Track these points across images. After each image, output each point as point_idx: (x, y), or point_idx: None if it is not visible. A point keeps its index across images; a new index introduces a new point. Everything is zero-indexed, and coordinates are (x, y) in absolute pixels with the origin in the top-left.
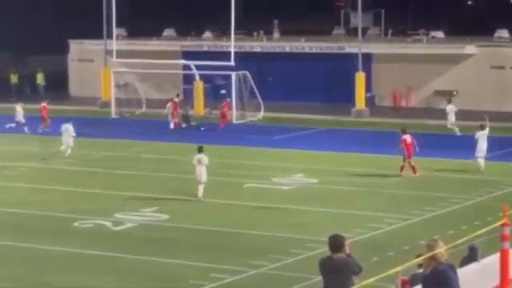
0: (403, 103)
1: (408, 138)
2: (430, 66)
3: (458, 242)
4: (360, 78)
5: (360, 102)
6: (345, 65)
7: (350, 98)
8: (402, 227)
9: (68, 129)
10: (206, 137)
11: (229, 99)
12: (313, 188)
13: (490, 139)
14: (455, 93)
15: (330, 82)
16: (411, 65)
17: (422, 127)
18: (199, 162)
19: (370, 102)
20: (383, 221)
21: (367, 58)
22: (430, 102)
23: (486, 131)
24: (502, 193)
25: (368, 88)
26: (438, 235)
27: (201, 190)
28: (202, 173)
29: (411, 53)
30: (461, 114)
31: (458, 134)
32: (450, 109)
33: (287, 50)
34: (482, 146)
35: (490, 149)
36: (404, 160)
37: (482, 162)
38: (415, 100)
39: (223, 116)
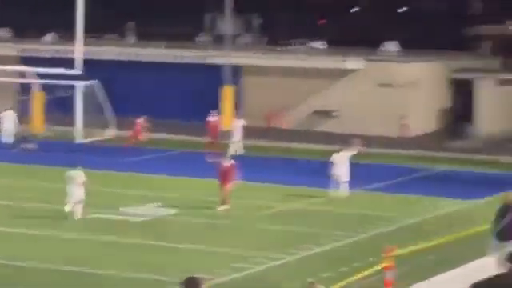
0: (277, 123)
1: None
2: (309, 82)
3: (336, 286)
4: (227, 93)
5: (227, 120)
6: (210, 78)
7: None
8: (272, 268)
9: None
10: (42, 157)
11: (141, 118)
12: (170, 220)
13: (373, 168)
14: (335, 114)
15: (194, 97)
16: (287, 79)
17: (294, 151)
18: (73, 179)
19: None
20: (251, 260)
21: (236, 70)
22: (308, 123)
23: (346, 154)
24: (386, 230)
25: (237, 105)
26: (314, 278)
27: (79, 210)
28: (77, 191)
29: (287, 66)
30: (342, 139)
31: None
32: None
33: (143, 58)
34: (338, 169)
35: (372, 179)
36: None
37: (338, 188)
38: (292, 120)
39: (135, 135)
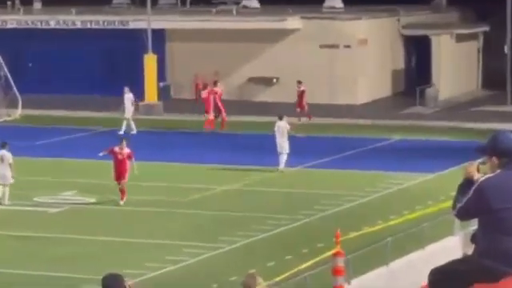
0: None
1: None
2: (243, 46)
3: (282, 276)
4: (150, 61)
5: (150, 94)
6: (129, 45)
7: (138, 90)
8: (208, 259)
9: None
10: None
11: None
12: (88, 210)
13: (318, 141)
14: (275, 80)
15: (111, 68)
16: (218, 44)
17: (229, 125)
18: (1, 160)
19: (163, 93)
20: (183, 251)
21: (159, 35)
22: (242, 92)
23: (283, 123)
24: (336, 211)
25: (161, 75)
26: (255, 268)
27: (6, 193)
28: (5, 173)
29: (217, 28)
30: (284, 109)
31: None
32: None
33: (52, 25)
34: (278, 139)
35: (318, 153)
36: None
37: (282, 158)
38: (224, 90)
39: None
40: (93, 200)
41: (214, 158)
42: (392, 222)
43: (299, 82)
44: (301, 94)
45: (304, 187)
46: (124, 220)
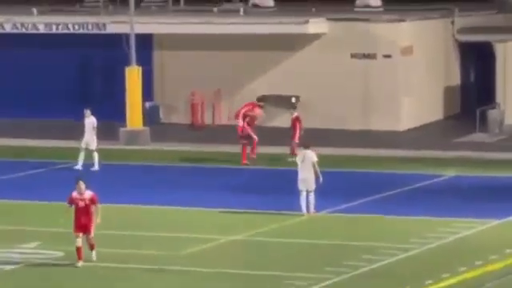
0: (208, 119)
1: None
2: (252, 56)
3: None
4: (133, 76)
5: (134, 117)
6: (107, 55)
7: (117, 112)
8: None
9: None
10: None
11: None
12: (53, 267)
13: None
14: (294, 100)
15: (83, 85)
16: (220, 54)
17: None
18: None
19: (150, 116)
20: None
21: (145, 42)
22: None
23: (309, 153)
24: (372, 268)
25: (147, 94)
26: None
27: None
28: None
29: (219, 33)
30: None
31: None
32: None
33: (7, 29)
34: (303, 174)
35: (351, 193)
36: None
37: (303, 197)
38: (228, 113)
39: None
40: (60, 254)
41: (216, 200)
42: (444, 283)
43: (293, 107)
44: (294, 122)
45: (330, 237)
46: (100, 281)
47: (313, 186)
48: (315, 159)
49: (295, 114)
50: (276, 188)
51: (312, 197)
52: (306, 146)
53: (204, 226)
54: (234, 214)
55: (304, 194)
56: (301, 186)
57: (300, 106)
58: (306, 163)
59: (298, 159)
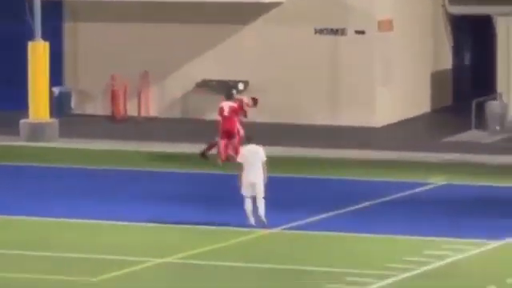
0: (132, 109)
1: None
2: (189, 30)
3: None
4: (37, 53)
5: (38, 106)
6: (4, 27)
7: (18, 99)
8: None
9: None
10: None
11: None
12: None
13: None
14: (241, 86)
15: None
16: (149, 26)
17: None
18: None
19: (59, 106)
20: None
21: (53, 9)
22: (188, 106)
23: (257, 150)
24: None
25: (55, 77)
26: None
27: None
28: None
29: (148, 0)
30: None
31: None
32: None
33: None
34: (251, 176)
35: (314, 206)
36: None
37: (248, 205)
38: (158, 101)
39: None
40: None
41: (141, 212)
42: None
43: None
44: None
45: (283, 260)
46: None
47: (262, 192)
48: (265, 157)
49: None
50: (219, 197)
51: (262, 204)
52: (249, 139)
53: (126, 244)
54: (164, 229)
55: (249, 201)
56: (247, 191)
57: (248, 93)
58: (255, 162)
59: (242, 158)
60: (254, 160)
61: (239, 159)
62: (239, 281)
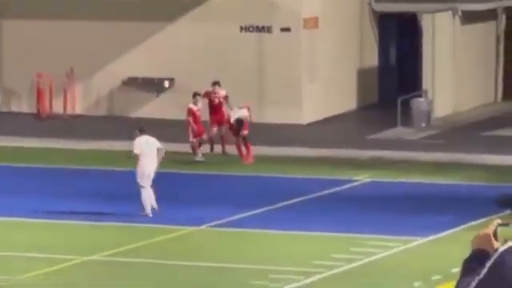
0: (57, 107)
1: None
2: (116, 26)
3: None
4: None
5: None
6: None
7: None
8: None
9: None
10: None
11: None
12: None
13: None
14: (167, 84)
15: None
16: (74, 23)
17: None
18: None
19: None
20: None
21: None
22: (113, 103)
23: (150, 141)
24: None
25: None
26: None
27: None
28: None
29: None
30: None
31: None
32: None
33: None
34: (149, 166)
35: (238, 202)
36: None
37: (147, 194)
38: (84, 99)
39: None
40: None
41: (68, 210)
42: None
43: (216, 84)
44: (219, 104)
45: (207, 258)
46: None
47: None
48: (159, 144)
49: (222, 93)
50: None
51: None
52: (142, 131)
53: (54, 242)
54: (89, 227)
55: (148, 190)
56: (145, 181)
57: (174, 90)
58: (150, 151)
59: (137, 149)
60: (149, 150)
61: (135, 150)
62: (164, 277)
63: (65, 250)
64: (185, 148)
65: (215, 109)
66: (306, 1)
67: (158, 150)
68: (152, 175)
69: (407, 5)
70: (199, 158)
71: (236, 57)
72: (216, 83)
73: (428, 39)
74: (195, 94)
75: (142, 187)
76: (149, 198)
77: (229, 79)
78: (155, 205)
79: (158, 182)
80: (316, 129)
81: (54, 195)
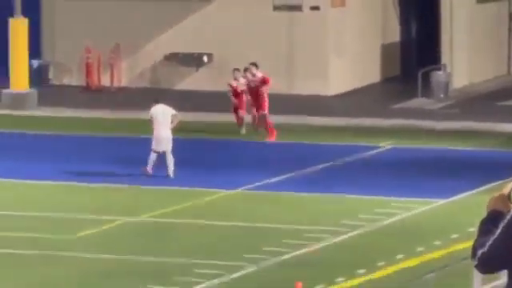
0: (105, 80)
1: None
2: (158, 6)
3: None
4: (18, 29)
5: (18, 77)
6: None
7: (2, 72)
8: None
9: None
10: None
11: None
12: None
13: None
14: (206, 59)
15: None
16: (120, 3)
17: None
18: None
19: (38, 77)
20: None
21: None
22: (157, 76)
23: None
24: (295, 255)
25: (34, 50)
26: None
27: None
28: None
29: None
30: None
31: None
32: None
33: None
34: (163, 132)
35: (270, 168)
36: None
37: (154, 158)
38: (129, 71)
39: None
40: None
41: (117, 175)
42: (379, 273)
43: (254, 65)
44: (257, 86)
45: (246, 219)
46: None
47: (170, 146)
48: (174, 111)
49: (259, 75)
50: (187, 160)
51: (171, 158)
52: (157, 101)
53: (104, 204)
54: (137, 191)
55: (155, 155)
56: (158, 147)
57: (212, 65)
58: (164, 119)
59: (153, 115)
60: (163, 119)
61: (149, 117)
62: (206, 237)
63: (109, 211)
64: (220, 118)
65: (251, 92)
66: None
67: (173, 116)
68: (165, 142)
69: None
70: (242, 131)
71: (269, 34)
72: (253, 64)
73: (446, 16)
74: (234, 70)
75: (154, 151)
76: (152, 160)
77: (262, 54)
78: (171, 173)
79: (195, 148)
80: (342, 100)
81: (103, 161)
